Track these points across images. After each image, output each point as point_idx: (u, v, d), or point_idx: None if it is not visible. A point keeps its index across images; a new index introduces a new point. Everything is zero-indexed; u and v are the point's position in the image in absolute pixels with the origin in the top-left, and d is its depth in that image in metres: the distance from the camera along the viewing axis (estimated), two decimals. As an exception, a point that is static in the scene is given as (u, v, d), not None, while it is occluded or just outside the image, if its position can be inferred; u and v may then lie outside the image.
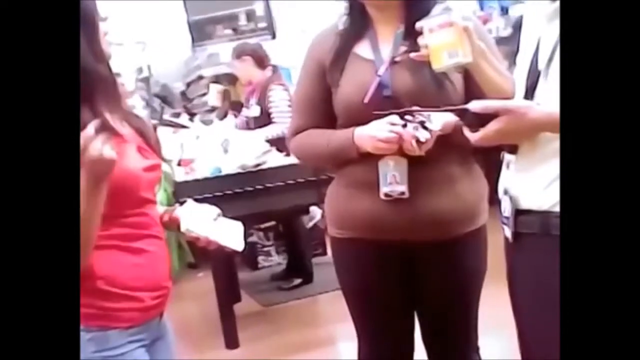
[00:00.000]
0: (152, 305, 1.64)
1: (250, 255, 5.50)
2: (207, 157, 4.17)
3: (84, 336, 1.51)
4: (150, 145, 1.68)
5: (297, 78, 2.19)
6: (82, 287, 1.47)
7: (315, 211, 5.20)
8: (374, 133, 1.89)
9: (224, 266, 4.05)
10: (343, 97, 1.99)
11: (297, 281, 4.96)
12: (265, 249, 5.64)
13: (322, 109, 2.05)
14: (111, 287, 1.55)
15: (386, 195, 1.94)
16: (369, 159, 1.94)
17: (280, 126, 4.83)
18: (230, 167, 3.99)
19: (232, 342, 3.95)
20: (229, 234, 1.79)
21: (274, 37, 7.09)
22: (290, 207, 4.29)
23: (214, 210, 1.79)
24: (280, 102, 5.01)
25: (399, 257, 2.03)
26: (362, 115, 1.92)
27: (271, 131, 4.80)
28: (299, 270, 5.03)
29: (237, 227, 1.81)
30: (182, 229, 1.75)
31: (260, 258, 5.60)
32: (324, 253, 5.36)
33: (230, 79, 6.39)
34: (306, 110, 2.11)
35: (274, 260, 5.61)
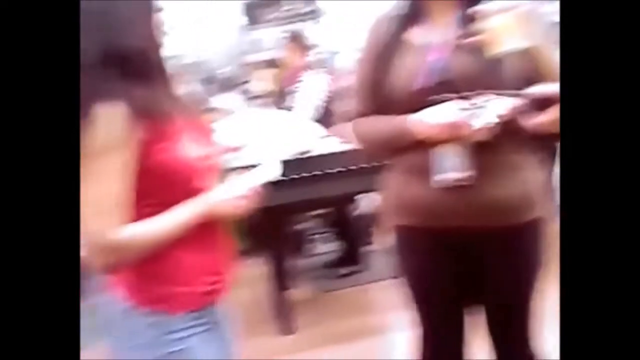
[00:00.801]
0: (210, 291, 1.65)
1: (301, 243, 5.50)
2: (254, 143, 4.16)
3: (146, 320, 1.55)
4: (204, 133, 1.69)
5: (357, 63, 2.15)
6: (141, 272, 1.52)
7: (366, 199, 5.16)
8: (429, 119, 1.86)
9: (276, 253, 4.06)
10: (397, 82, 1.96)
11: (349, 269, 4.94)
12: (316, 236, 5.62)
13: (380, 95, 2.02)
14: (170, 273, 1.58)
15: (443, 182, 1.90)
16: (426, 146, 1.91)
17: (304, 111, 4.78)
18: (278, 153, 3.98)
19: (286, 328, 3.98)
20: (261, 172, 1.73)
21: (319, 21, 7.07)
22: (341, 195, 4.27)
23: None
24: (309, 88, 4.96)
25: (457, 244, 2.01)
26: (417, 101, 1.89)
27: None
28: (350, 258, 5.01)
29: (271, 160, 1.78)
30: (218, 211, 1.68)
31: (311, 245, 5.60)
32: (375, 241, 5.32)
33: (276, 65, 6.39)
34: (364, 96, 2.09)
35: (325, 248, 5.59)
